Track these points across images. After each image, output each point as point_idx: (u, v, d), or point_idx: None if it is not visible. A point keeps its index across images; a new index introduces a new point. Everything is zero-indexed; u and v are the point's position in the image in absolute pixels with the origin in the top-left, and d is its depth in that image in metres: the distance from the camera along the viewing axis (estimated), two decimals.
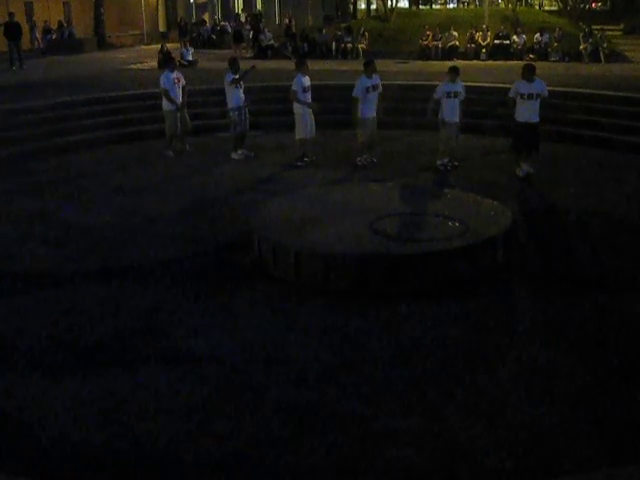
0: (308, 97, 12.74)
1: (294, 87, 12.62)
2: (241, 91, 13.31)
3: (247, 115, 13.43)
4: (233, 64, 13.37)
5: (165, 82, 13.60)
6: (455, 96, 12.15)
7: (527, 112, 11.57)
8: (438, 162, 12.37)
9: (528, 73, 11.60)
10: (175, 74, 13.79)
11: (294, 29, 30.84)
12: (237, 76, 13.21)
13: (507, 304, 7.24)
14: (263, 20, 36.45)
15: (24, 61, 24.03)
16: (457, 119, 12.25)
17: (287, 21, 32.78)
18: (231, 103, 13.26)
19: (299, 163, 12.86)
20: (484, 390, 5.55)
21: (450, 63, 15.71)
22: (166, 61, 14.53)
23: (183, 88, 13.89)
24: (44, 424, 5.15)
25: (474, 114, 15.08)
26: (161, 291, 7.50)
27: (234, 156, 13.42)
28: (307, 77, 12.83)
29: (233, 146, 13.50)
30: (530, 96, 11.51)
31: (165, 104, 13.71)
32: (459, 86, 12.30)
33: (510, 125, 11.95)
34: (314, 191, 10.24)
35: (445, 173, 12.15)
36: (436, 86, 12.53)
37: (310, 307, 7.05)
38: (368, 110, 12.43)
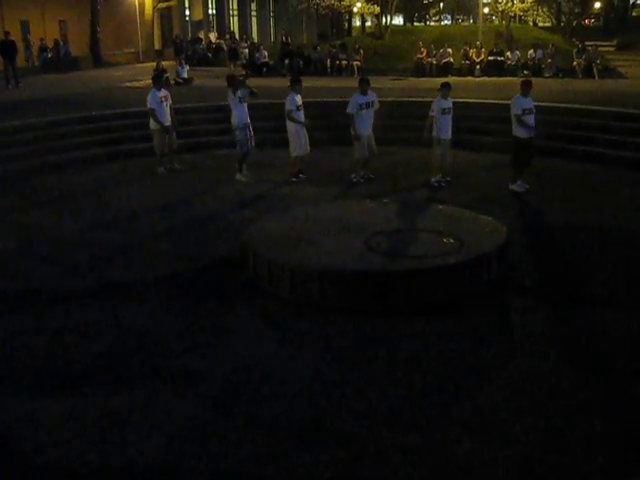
0: (301, 115, 12.77)
1: (289, 106, 12.66)
2: (246, 109, 13.01)
3: (252, 133, 13.12)
4: (232, 81, 13.17)
5: (152, 101, 13.50)
6: (448, 112, 12.22)
7: (527, 127, 11.66)
8: (432, 179, 12.41)
9: (529, 88, 11.75)
10: (162, 92, 13.69)
11: (290, 46, 30.98)
12: (243, 92, 12.95)
13: (502, 319, 7.25)
14: (244, 37, 36.41)
15: (20, 79, 24.12)
16: (450, 135, 12.32)
17: (284, 38, 32.93)
18: (235, 121, 12.94)
19: (294, 179, 12.89)
20: (481, 405, 5.54)
21: (444, 79, 15.73)
22: (155, 79, 14.37)
23: (170, 107, 13.84)
24: (38, 443, 5.11)
25: (468, 130, 15.15)
26: (156, 308, 7.49)
27: (239, 177, 13.07)
28: (299, 95, 12.83)
29: (238, 167, 13.18)
30: (529, 110, 11.64)
31: (152, 123, 13.65)
32: (450, 102, 12.38)
33: (512, 141, 11.93)
34: (309, 208, 10.25)
35: (440, 189, 12.18)
36: (431, 102, 12.56)
37: (305, 324, 7.04)
38: (362, 127, 12.49)
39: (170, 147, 13.87)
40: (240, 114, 12.92)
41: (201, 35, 40.88)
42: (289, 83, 13.11)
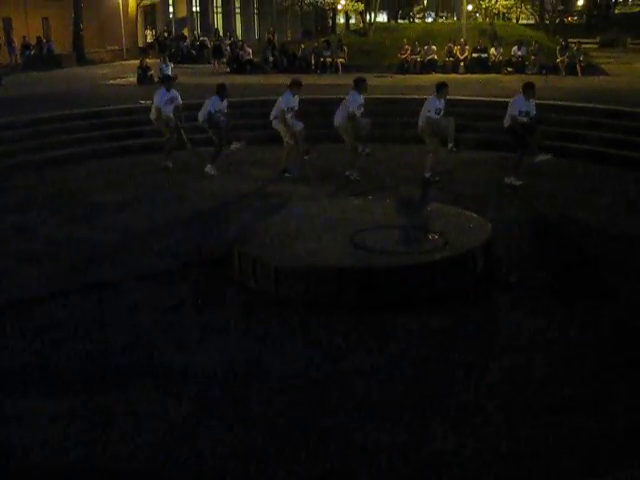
0: (291, 116, 12.76)
1: (282, 106, 12.62)
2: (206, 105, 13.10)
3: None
4: (222, 90, 13.15)
5: (158, 101, 13.43)
6: (440, 112, 12.25)
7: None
8: (426, 174, 12.39)
9: (532, 91, 11.86)
10: (170, 94, 13.59)
11: (276, 44, 30.93)
12: (223, 103, 13.03)
13: (487, 316, 7.28)
14: (228, 35, 36.21)
15: (3, 77, 23.94)
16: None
17: (270, 36, 32.85)
18: (201, 117, 13.09)
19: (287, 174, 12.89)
20: (467, 401, 5.56)
21: (429, 77, 15.77)
22: (163, 79, 14.58)
23: (176, 107, 13.68)
24: (24, 443, 5.07)
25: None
26: (141, 307, 7.46)
27: (208, 169, 13.14)
28: (297, 97, 12.85)
29: (211, 160, 13.26)
30: (526, 113, 11.77)
31: (156, 117, 13.57)
32: (443, 103, 12.35)
33: (514, 131, 11.95)
34: (295, 205, 10.25)
35: (427, 186, 12.19)
36: (416, 99, 12.51)
37: (291, 321, 7.03)
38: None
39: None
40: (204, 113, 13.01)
41: (185, 32, 40.78)
42: (289, 84, 13.00)
